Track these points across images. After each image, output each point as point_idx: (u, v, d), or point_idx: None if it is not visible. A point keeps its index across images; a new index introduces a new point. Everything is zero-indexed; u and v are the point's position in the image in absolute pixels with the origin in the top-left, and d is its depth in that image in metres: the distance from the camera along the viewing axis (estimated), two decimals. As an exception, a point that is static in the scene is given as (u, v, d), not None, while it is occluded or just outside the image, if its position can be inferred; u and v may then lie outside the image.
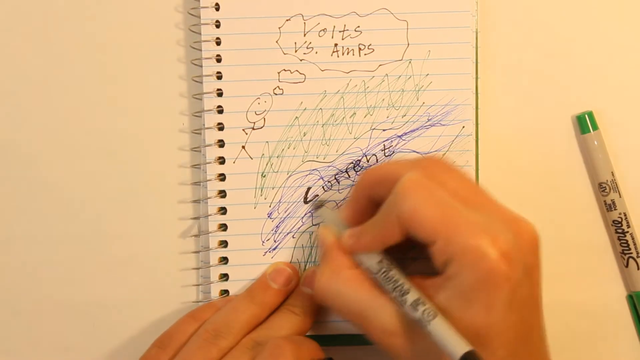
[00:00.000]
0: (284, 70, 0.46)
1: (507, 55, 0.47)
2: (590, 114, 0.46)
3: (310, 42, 0.46)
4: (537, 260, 0.38)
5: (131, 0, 0.47)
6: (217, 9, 0.46)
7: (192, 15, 0.47)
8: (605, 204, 0.46)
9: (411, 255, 0.41)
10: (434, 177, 0.38)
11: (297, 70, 0.46)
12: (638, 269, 0.45)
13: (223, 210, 0.46)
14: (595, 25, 0.47)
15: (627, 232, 0.45)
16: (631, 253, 0.45)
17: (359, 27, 0.46)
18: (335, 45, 0.46)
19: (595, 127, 0.46)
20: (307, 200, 0.46)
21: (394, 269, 0.39)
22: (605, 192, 0.46)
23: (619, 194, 0.46)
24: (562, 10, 0.47)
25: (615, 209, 0.45)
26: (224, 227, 0.46)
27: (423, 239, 0.37)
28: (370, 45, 0.46)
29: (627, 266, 0.45)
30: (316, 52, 0.46)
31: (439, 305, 0.37)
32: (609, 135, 0.46)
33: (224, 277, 0.46)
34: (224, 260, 0.46)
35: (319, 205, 0.46)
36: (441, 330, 0.36)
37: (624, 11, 0.47)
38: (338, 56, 0.46)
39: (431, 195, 0.37)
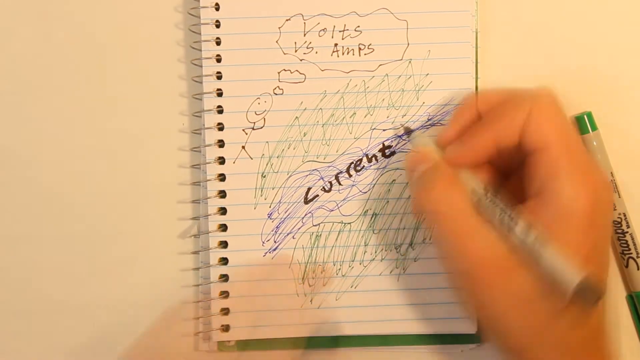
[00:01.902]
0: (284, 70, 0.46)
1: (506, 55, 0.47)
2: (589, 115, 0.46)
3: (310, 42, 0.46)
4: (611, 211, 0.44)
5: (131, 0, 0.47)
6: (217, 9, 0.46)
7: (192, 15, 0.47)
8: None
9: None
10: (560, 105, 0.39)
11: (297, 70, 0.46)
12: (638, 269, 0.45)
13: (223, 211, 0.46)
14: (594, 26, 0.47)
15: (627, 232, 0.45)
16: (631, 253, 0.45)
17: (359, 26, 0.46)
18: (335, 45, 0.46)
19: (594, 128, 0.46)
20: (308, 200, 0.46)
21: (500, 196, 0.37)
22: None
23: (618, 195, 0.46)
24: (562, 11, 0.47)
25: (614, 210, 0.45)
26: (223, 227, 0.46)
27: (538, 141, 0.37)
28: (370, 45, 0.46)
29: (627, 266, 0.45)
30: (316, 52, 0.46)
31: (538, 229, 0.35)
32: (608, 135, 0.46)
33: (224, 277, 0.46)
34: (224, 260, 0.46)
35: (409, 130, 0.45)
36: (556, 256, 0.34)
37: (623, 11, 0.47)
38: (338, 56, 0.46)
39: (561, 112, 0.38)
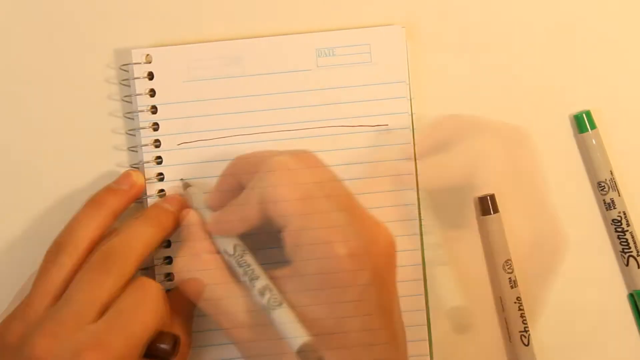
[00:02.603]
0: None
1: (505, 53, 0.46)
2: (588, 113, 0.45)
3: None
4: (390, 266, 0.38)
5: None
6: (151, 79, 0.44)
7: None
8: (605, 202, 0.45)
9: (271, 246, 0.40)
10: (300, 165, 0.38)
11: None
12: (638, 267, 0.44)
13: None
14: (592, 24, 0.46)
15: (627, 230, 0.44)
16: (631, 252, 0.44)
17: None
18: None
19: (593, 126, 0.45)
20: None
21: (248, 255, 0.39)
22: (604, 191, 0.44)
23: (618, 193, 0.44)
24: (559, 9, 0.46)
25: (614, 208, 0.44)
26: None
27: (278, 222, 0.37)
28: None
29: (627, 265, 0.44)
30: None
31: (286, 295, 0.37)
32: (608, 134, 0.45)
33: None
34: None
35: (187, 185, 0.43)
36: (283, 318, 0.36)
37: (620, 10, 0.46)
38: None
39: (294, 179, 0.37)
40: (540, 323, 0.44)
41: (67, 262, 0.39)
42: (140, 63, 0.43)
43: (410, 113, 0.44)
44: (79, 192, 0.44)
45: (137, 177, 0.42)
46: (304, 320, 0.36)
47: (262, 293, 0.37)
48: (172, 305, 0.40)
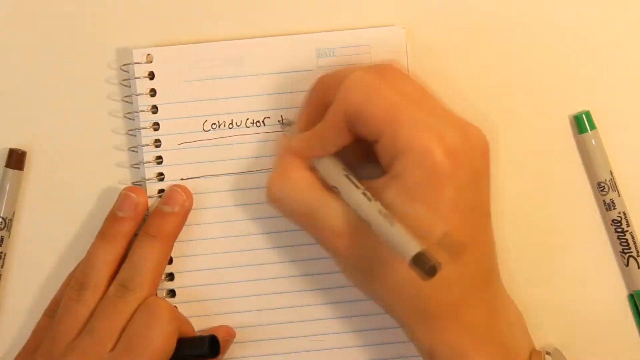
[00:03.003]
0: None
1: (505, 53, 0.45)
2: (588, 114, 0.45)
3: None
4: (485, 166, 0.38)
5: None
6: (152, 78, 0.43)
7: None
8: (605, 203, 0.44)
9: (363, 160, 0.40)
10: (385, 78, 0.38)
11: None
12: (638, 267, 0.44)
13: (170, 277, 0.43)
14: (592, 24, 0.45)
15: (627, 231, 0.44)
16: (631, 252, 0.44)
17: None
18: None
19: (592, 127, 0.44)
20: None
21: (347, 171, 0.38)
22: (604, 191, 0.44)
23: (618, 193, 0.44)
24: (559, 9, 0.45)
25: (614, 208, 0.44)
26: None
27: (369, 135, 0.37)
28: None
29: (627, 265, 0.44)
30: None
31: (386, 204, 0.36)
32: (607, 134, 0.45)
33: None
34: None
35: (288, 123, 0.43)
36: (393, 230, 0.35)
37: (619, 11, 0.45)
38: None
39: (378, 92, 0.37)
40: (539, 323, 0.44)
41: (91, 298, 0.40)
42: (141, 63, 0.43)
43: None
44: (79, 192, 0.44)
45: (138, 197, 0.42)
46: (406, 225, 0.35)
47: (367, 204, 0.36)
48: None
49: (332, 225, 0.38)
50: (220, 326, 0.42)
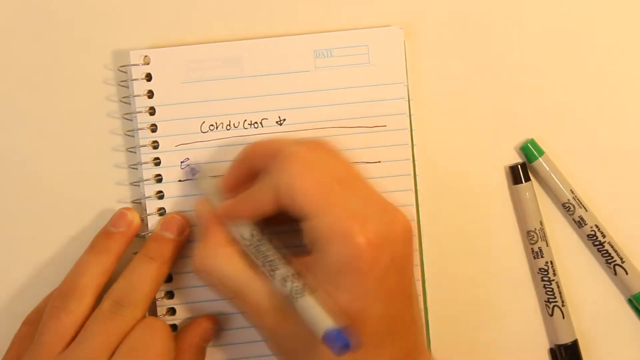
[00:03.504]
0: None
1: (504, 53, 0.46)
2: (533, 142, 0.45)
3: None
4: (407, 252, 0.38)
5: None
6: (149, 80, 0.43)
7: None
8: (575, 221, 0.45)
9: (288, 229, 0.39)
10: (319, 157, 0.38)
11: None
12: (627, 274, 0.45)
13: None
14: (596, 30, 0.46)
15: (604, 242, 0.45)
16: (615, 261, 0.45)
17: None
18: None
19: (541, 153, 0.45)
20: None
21: (267, 244, 0.38)
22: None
23: (585, 209, 0.45)
24: (557, 8, 0.46)
25: (584, 224, 0.45)
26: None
27: (295, 213, 0.37)
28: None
29: (615, 274, 0.45)
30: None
31: (310, 285, 0.36)
32: (558, 156, 0.46)
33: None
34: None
35: (195, 171, 0.43)
36: (308, 306, 0.35)
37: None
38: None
39: (310, 170, 0.37)
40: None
41: (76, 308, 0.39)
42: (138, 64, 0.43)
43: (408, 114, 0.44)
44: (77, 193, 0.44)
45: (132, 216, 0.42)
46: (327, 307, 0.35)
47: (284, 282, 0.37)
48: (183, 340, 0.41)
49: (258, 303, 0.37)
50: (202, 318, 0.43)
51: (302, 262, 0.37)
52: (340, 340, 0.34)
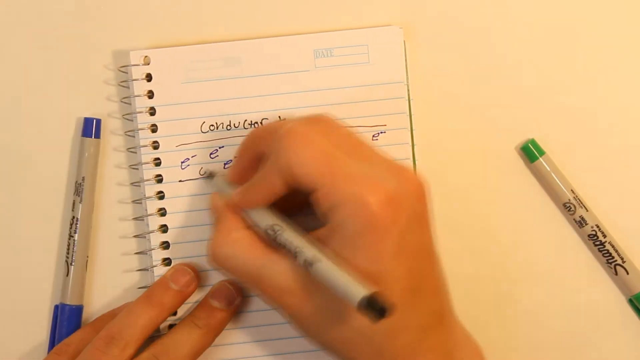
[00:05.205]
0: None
1: (504, 53, 0.46)
2: (533, 142, 0.45)
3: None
4: (423, 209, 0.37)
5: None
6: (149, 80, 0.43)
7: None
8: (575, 221, 0.45)
9: (302, 208, 0.39)
10: (319, 129, 0.37)
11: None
12: (627, 273, 0.45)
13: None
14: (594, 30, 0.46)
15: (605, 241, 0.45)
16: (616, 260, 0.45)
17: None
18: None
19: (541, 153, 0.45)
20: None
21: (285, 224, 0.38)
22: (571, 210, 0.45)
23: (586, 209, 0.45)
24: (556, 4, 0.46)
25: (585, 224, 0.45)
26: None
27: (304, 188, 0.36)
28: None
29: (616, 274, 0.45)
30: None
31: (331, 256, 0.36)
32: (560, 156, 0.45)
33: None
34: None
35: (210, 175, 0.43)
36: (336, 277, 0.35)
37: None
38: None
39: (311, 144, 0.36)
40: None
41: (118, 355, 0.40)
42: (138, 65, 0.43)
43: (408, 114, 0.44)
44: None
45: (192, 278, 0.42)
46: (352, 274, 0.35)
47: (309, 260, 0.36)
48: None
49: (280, 283, 0.37)
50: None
51: (317, 236, 0.37)
52: (377, 305, 0.33)
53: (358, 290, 0.34)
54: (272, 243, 0.38)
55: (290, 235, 0.37)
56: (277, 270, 0.37)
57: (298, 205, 0.39)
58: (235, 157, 0.41)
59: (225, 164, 0.43)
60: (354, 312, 0.34)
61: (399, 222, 0.35)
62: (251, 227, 0.39)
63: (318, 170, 0.36)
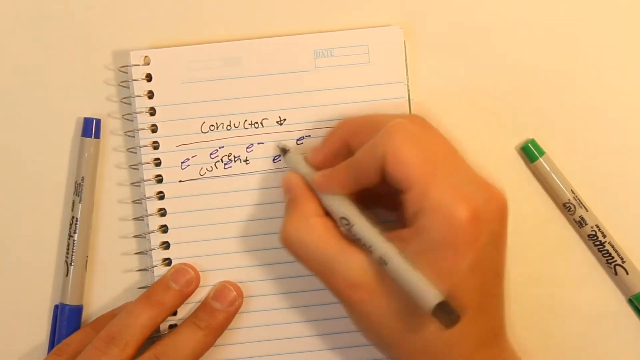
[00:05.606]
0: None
1: (504, 53, 0.46)
2: (533, 142, 0.45)
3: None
4: (503, 229, 0.38)
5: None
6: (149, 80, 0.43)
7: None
8: (575, 221, 0.45)
9: (380, 205, 0.40)
10: (424, 131, 0.38)
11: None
12: (627, 274, 0.45)
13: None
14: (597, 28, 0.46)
15: (605, 242, 0.45)
16: (615, 261, 0.45)
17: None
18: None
19: (541, 153, 0.45)
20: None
21: (364, 217, 0.38)
22: (571, 210, 0.45)
23: (585, 209, 0.45)
24: (557, 4, 0.46)
25: (585, 224, 0.45)
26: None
27: (400, 183, 0.36)
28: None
29: (616, 274, 0.45)
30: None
31: (409, 258, 0.36)
32: (560, 156, 0.45)
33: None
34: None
35: (284, 150, 0.42)
36: (412, 279, 0.35)
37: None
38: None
39: (418, 142, 0.37)
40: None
41: (117, 355, 0.40)
42: (138, 65, 0.43)
43: (408, 114, 0.44)
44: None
45: (192, 276, 0.42)
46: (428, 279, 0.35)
47: (383, 255, 0.36)
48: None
49: (349, 275, 0.37)
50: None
51: (398, 235, 0.37)
52: (450, 311, 0.34)
53: (435, 294, 0.34)
54: (347, 233, 0.38)
55: (367, 229, 0.37)
56: (350, 263, 0.37)
57: (373, 202, 0.39)
58: (323, 141, 0.41)
59: (297, 140, 0.43)
60: (425, 316, 0.34)
61: (480, 240, 0.36)
62: (327, 215, 0.39)
63: (420, 170, 0.36)
